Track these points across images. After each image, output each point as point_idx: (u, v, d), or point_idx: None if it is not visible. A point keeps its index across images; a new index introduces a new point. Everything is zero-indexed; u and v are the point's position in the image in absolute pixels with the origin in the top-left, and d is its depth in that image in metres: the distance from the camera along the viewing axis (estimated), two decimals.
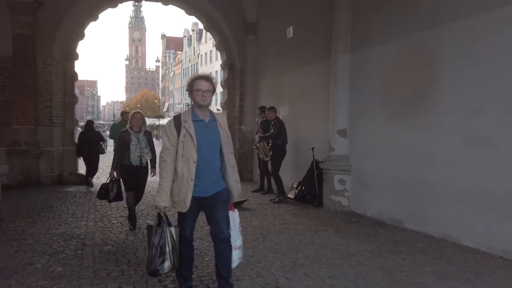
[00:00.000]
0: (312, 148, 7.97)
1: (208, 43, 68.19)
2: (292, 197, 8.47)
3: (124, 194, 6.34)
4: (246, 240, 5.22)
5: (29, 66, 10.18)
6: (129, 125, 6.11)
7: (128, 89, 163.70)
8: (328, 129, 7.95)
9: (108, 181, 6.36)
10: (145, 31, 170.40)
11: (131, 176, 6.12)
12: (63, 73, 10.80)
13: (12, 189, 9.59)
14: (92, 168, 10.61)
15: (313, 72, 8.56)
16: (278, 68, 10.30)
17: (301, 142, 8.84)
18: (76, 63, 11.34)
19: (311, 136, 8.61)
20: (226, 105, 12.34)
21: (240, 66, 11.90)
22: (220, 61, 51.70)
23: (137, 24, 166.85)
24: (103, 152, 10.83)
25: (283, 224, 6.58)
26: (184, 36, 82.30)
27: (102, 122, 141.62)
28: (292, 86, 9.56)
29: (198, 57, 72.93)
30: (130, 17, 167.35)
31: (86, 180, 10.51)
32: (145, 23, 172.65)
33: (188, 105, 57.28)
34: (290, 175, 8.97)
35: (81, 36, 11.21)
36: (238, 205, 7.88)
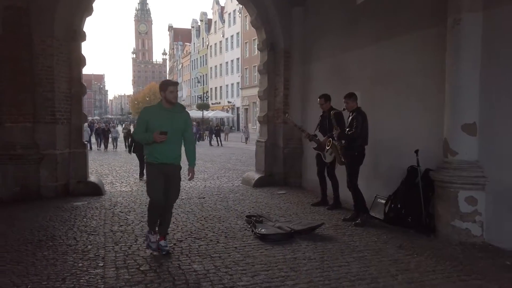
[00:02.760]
0: (416, 151, 5.70)
1: (218, 34, 65.82)
2: (381, 218, 6.24)
3: None
4: None
5: (23, 47, 7.99)
6: None
7: (135, 83, 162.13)
8: (434, 122, 5.71)
9: None
10: (151, 23, 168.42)
11: None
12: (68, 56, 8.57)
13: (6, 206, 7.49)
14: (143, 164, 11.30)
15: (407, 44, 6.26)
16: (341, 44, 8.00)
17: (383, 141, 6.59)
18: (84, 45, 9.13)
19: (401, 133, 6.35)
20: (266, 94, 10.07)
21: (284, 45, 9.61)
22: (230, 52, 49.45)
23: (143, 16, 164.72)
24: None
25: (402, 271, 4.32)
26: (193, 27, 79.93)
27: (110, 116, 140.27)
28: (366, 67, 7.27)
29: (207, 48, 70.58)
30: (135, 10, 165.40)
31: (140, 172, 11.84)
32: (151, 15, 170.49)
33: (199, 98, 55.07)
34: (367, 185, 6.71)
35: (88, 10, 8.97)
36: (312, 230, 5.70)
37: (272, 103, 10.04)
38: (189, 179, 5.26)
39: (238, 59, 59.22)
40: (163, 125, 4.65)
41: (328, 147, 6.61)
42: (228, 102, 61.97)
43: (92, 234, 5.74)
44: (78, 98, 8.84)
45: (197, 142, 31.26)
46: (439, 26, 5.55)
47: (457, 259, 4.61)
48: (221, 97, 65.38)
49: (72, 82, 8.66)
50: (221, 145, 30.02)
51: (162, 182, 4.83)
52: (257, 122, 43.21)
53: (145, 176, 11.69)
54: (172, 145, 4.75)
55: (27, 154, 8.01)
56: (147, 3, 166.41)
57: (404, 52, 6.33)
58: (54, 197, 8.28)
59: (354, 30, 7.54)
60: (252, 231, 5.81)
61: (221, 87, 65.88)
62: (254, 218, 6.23)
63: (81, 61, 8.86)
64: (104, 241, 5.42)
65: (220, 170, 14.26)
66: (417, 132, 6.08)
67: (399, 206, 5.95)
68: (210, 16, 71.53)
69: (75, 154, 8.75)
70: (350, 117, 6.27)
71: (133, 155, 12.74)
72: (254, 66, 53.82)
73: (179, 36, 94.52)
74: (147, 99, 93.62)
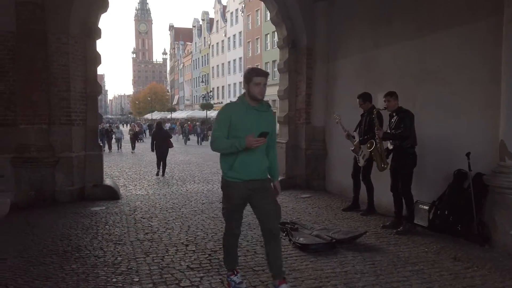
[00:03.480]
0: (468, 154, 5.32)
1: (220, 33, 65.39)
2: (425, 225, 5.85)
3: None
4: None
5: (38, 45, 7.59)
6: None
7: (135, 83, 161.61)
8: (484, 123, 5.35)
9: None
10: (152, 23, 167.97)
11: None
12: (83, 55, 8.18)
13: (21, 211, 7.11)
14: (164, 161, 12.88)
15: (453, 39, 5.89)
16: (373, 40, 7.62)
17: (425, 143, 6.18)
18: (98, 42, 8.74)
19: (446, 135, 5.97)
20: (287, 93, 9.69)
21: (307, 43, 9.22)
22: (233, 51, 48.99)
23: (143, 16, 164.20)
24: (171, 146, 13.43)
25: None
26: (194, 27, 79.46)
27: (110, 116, 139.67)
28: (404, 63, 6.88)
29: (209, 47, 70.14)
30: (136, 10, 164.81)
31: (158, 169, 12.94)
32: (151, 15, 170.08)
33: (203, 97, 54.65)
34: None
35: (104, 7, 8.57)
36: (354, 239, 5.32)
37: (293, 102, 9.66)
38: (275, 198, 3.82)
39: (240, 58, 58.81)
40: (250, 128, 3.47)
41: (369, 149, 6.20)
42: (231, 101, 61.46)
43: (119, 244, 5.36)
44: (93, 98, 8.45)
45: (202, 143, 30.91)
46: (490, 19, 5.19)
47: None
48: (223, 97, 64.94)
49: (87, 82, 8.27)
50: None
51: (244, 207, 3.77)
52: None
53: (160, 172, 12.76)
54: (261, 154, 3.61)
55: (43, 157, 7.62)
56: (147, 3, 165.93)
57: (450, 47, 5.94)
58: (70, 202, 7.90)
59: (388, 24, 7.15)
60: (290, 240, 5.43)
61: (223, 86, 65.46)
62: (289, 226, 5.85)
63: (97, 60, 8.48)
64: (133, 252, 5.04)
65: None
66: (464, 134, 5.69)
67: (446, 213, 5.56)
68: (212, 15, 71.11)
69: (90, 156, 8.36)
70: (395, 118, 5.85)
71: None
72: (257, 65, 53.51)
73: (180, 35, 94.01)
74: (149, 99, 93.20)
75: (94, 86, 8.41)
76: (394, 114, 5.87)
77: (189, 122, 49.22)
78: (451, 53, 5.95)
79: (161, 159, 12.85)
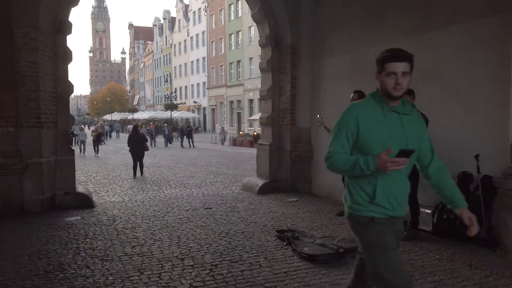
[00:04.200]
0: (477, 156, 5.15)
1: (182, 32, 64.34)
2: (429, 230, 5.66)
3: None
4: None
5: (2, 40, 6.88)
6: None
7: (92, 82, 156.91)
8: (491, 124, 5.21)
9: None
10: (109, 21, 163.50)
11: None
12: (53, 51, 7.51)
13: None
14: (141, 164, 13.05)
15: (451, 38, 5.74)
16: (363, 38, 7.39)
17: None
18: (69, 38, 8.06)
19: (450, 137, 5.79)
20: (270, 93, 9.34)
21: (291, 41, 8.91)
22: (196, 51, 48.33)
23: (100, 14, 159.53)
24: (147, 149, 13.51)
25: None
26: (155, 25, 77.88)
27: None
28: None
29: (171, 47, 68.93)
30: (92, 7, 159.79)
31: (134, 172, 12.92)
32: (109, 13, 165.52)
33: (167, 97, 53.26)
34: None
35: (75, 0, 7.92)
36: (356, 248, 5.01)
37: (276, 103, 9.32)
38: (473, 233, 2.43)
39: (204, 58, 58.09)
40: (387, 141, 2.34)
41: None
42: (194, 102, 60.65)
43: (106, 260, 4.82)
44: (65, 98, 7.79)
45: (169, 144, 30.10)
46: (496, 16, 5.05)
47: None
48: (186, 97, 63.95)
49: (58, 81, 7.60)
50: (193, 147, 28.97)
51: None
52: (225, 122, 42.41)
53: (138, 173, 12.89)
54: (404, 178, 2.45)
55: (9, 164, 6.91)
56: (104, 1, 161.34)
57: (449, 46, 5.79)
58: (40, 212, 7.21)
59: (381, 22, 6.95)
60: (293, 250, 5.08)
61: (186, 86, 64.45)
62: (290, 234, 5.50)
63: (68, 57, 7.80)
64: (124, 269, 4.53)
65: (208, 174, 13.39)
66: (468, 135, 5.55)
67: (452, 217, 5.38)
68: (173, 14, 69.90)
69: (62, 161, 7.69)
70: None
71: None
72: (221, 66, 53.00)
73: (140, 34, 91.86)
74: (108, 99, 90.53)
75: (66, 86, 7.74)
76: None
77: (151, 123, 48.02)
78: (451, 52, 5.80)
79: (138, 160, 12.94)
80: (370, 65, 7.33)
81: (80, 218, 6.98)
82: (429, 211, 5.73)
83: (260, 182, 9.30)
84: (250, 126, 44.09)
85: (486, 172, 5.18)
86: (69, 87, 7.82)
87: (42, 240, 5.61)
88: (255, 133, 33.22)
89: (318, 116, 7.14)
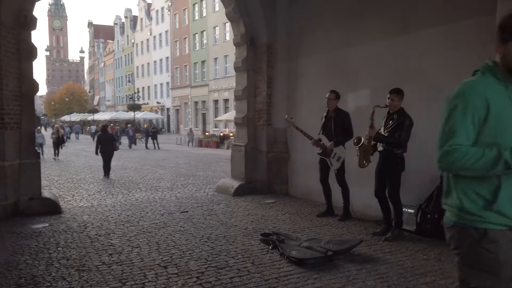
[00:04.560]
0: None
1: (145, 31, 63.08)
2: (412, 229, 5.65)
3: None
4: None
5: None
6: None
7: (49, 82, 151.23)
8: None
9: None
10: (67, 19, 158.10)
11: None
12: (17, 47, 7.03)
13: None
14: (109, 164, 12.97)
15: (436, 38, 5.76)
16: (343, 38, 7.35)
17: (408, 144, 5.99)
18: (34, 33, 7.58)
19: (430, 136, 5.80)
20: (246, 93, 9.17)
21: (267, 40, 8.77)
22: (159, 50, 47.43)
23: (57, 12, 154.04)
24: (117, 149, 13.80)
25: None
26: (116, 24, 75.88)
27: None
28: (379, 63, 6.68)
29: (133, 46, 67.39)
30: (49, 5, 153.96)
31: (104, 172, 12.98)
32: (66, 11, 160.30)
33: (130, 98, 51.77)
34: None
35: None
36: (351, 249, 4.95)
37: (252, 103, 9.16)
38: None
39: (167, 58, 57.17)
40: None
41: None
42: (158, 102, 59.59)
43: (83, 270, 4.49)
44: (29, 98, 7.32)
45: (133, 146, 29.31)
46: (479, 18, 5.10)
47: None
48: (149, 98, 62.71)
49: (22, 79, 7.12)
50: (159, 148, 28.35)
51: None
52: (189, 123, 41.80)
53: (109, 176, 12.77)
54: None
55: None
56: None
57: (434, 46, 5.81)
58: (3, 219, 6.72)
59: (362, 22, 6.92)
60: (281, 253, 4.92)
61: (149, 87, 63.22)
62: (275, 237, 5.34)
63: (33, 54, 7.33)
64: (104, 280, 4.23)
65: (178, 176, 13.06)
66: None
67: (436, 216, 5.40)
68: (135, 13, 68.45)
69: (26, 165, 7.22)
70: (394, 120, 5.51)
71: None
72: (185, 66, 52.30)
73: (100, 33, 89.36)
74: (66, 99, 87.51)
75: (30, 84, 7.27)
76: (394, 115, 5.54)
77: (111, 124, 46.67)
78: (436, 52, 5.82)
79: (107, 161, 12.98)
80: (350, 64, 7.35)
81: (48, 225, 6.56)
82: (412, 211, 5.73)
83: (235, 183, 9.11)
84: (216, 127, 43.76)
85: None
86: (34, 86, 7.35)
87: (9, 250, 5.19)
88: (222, 133, 32.99)
89: (286, 116, 7.02)
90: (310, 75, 8.15)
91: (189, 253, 5.10)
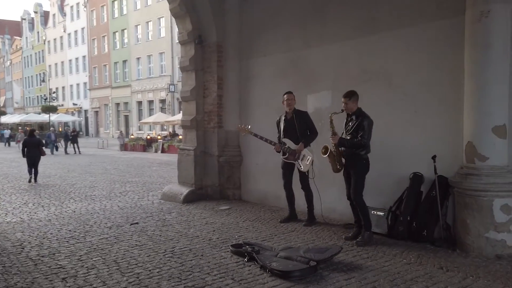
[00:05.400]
0: (434, 157, 5.20)
1: (58, 28, 59.02)
2: (383, 232, 5.59)
3: None
4: None
5: None
6: None
7: None
8: (438, 125, 5.35)
9: None
10: None
11: None
12: None
13: None
14: (36, 168, 12.57)
15: (398, 41, 5.77)
16: (301, 38, 7.17)
17: (373, 146, 5.94)
18: None
19: (397, 138, 5.82)
20: (194, 94, 8.66)
21: (217, 38, 8.35)
22: (75, 48, 44.78)
23: None
24: (44, 154, 13.34)
25: None
26: (24, 19, 70.11)
27: None
28: (339, 64, 6.59)
29: (44, 43, 62.70)
30: None
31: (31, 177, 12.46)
32: None
33: (44, 99, 47.82)
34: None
35: None
36: (333, 256, 4.74)
37: (201, 105, 8.67)
38: None
39: (84, 57, 53.97)
40: None
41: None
42: (74, 104, 55.99)
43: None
44: None
45: (55, 152, 27.02)
46: (448, 20, 5.19)
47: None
48: (64, 99, 58.72)
49: None
50: (80, 153, 26.49)
51: None
52: (110, 125, 39.72)
53: (33, 179, 12.38)
54: None
55: None
56: None
57: (396, 48, 5.82)
58: None
59: (322, 22, 6.78)
60: (261, 266, 4.57)
61: (64, 87, 59.24)
62: (249, 248, 4.98)
63: None
64: None
65: (112, 183, 12.12)
66: (418, 137, 5.60)
67: (408, 218, 5.38)
68: (46, 7, 63.77)
69: None
70: (353, 121, 5.43)
71: None
72: (105, 65, 49.73)
73: (5, 28, 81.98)
74: None
75: None
76: (353, 116, 5.45)
77: (20, 128, 42.94)
78: (398, 55, 5.83)
79: (33, 166, 12.60)
80: (309, 65, 7.20)
81: None
82: (382, 213, 5.68)
83: (184, 190, 8.57)
84: (140, 130, 42.08)
85: (438, 172, 5.26)
86: None
87: None
88: (149, 136, 31.74)
89: (239, 125, 6.77)
90: (266, 75, 7.88)
91: (157, 272, 4.57)
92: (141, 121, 37.48)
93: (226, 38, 8.35)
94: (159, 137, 31.35)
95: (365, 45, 6.19)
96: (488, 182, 4.69)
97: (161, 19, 40.55)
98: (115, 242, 5.78)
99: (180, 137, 29.16)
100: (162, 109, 40.01)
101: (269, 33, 7.76)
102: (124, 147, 30.42)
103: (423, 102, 5.59)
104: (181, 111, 35.95)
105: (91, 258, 5.08)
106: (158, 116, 33.46)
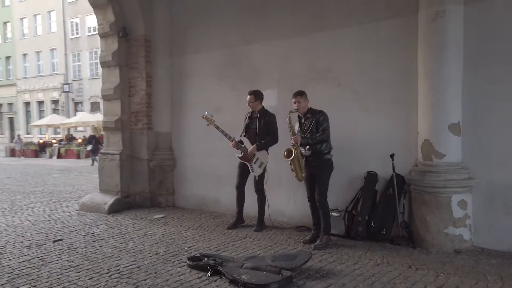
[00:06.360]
0: (392, 155, 5.20)
1: None
2: (341, 234, 5.48)
3: None
4: None
5: None
6: None
7: None
8: (395, 124, 5.40)
9: None
10: None
11: None
12: None
13: None
14: None
15: (346, 39, 5.74)
16: (241, 35, 6.82)
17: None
18: None
19: (350, 137, 5.75)
20: (118, 93, 7.82)
21: (144, 32, 7.64)
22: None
23: None
24: None
25: None
26: None
27: None
28: (283, 61, 6.38)
29: None
30: None
31: None
32: None
33: None
34: (303, 198, 5.83)
35: None
36: (301, 266, 4.47)
37: (126, 104, 7.87)
38: None
39: None
40: None
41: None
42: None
43: None
44: None
45: None
46: (398, 19, 5.26)
47: (481, 270, 4.29)
48: None
49: None
50: None
51: None
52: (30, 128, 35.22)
53: None
54: None
55: None
56: None
57: (344, 47, 5.77)
58: None
59: (264, 18, 6.51)
60: (230, 280, 4.14)
61: None
62: (210, 261, 4.50)
63: None
64: None
65: (11, 195, 10.55)
66: (371, 136, 5.59)
67: (366, 218, 5.34)
68: None
69: None
70: (308, 120, 5.23)
71: None
72: None
73: None
74: None
75: None
76: (308, 115, 5.26)
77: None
78: (347, 53, 5.78)
79: None
80: (250, 62, 6.89)
81: None
82: (337, 214, 5.57)
83: (108, 199, 7.71)
84: (28, 133, 38.13)
85: (391, 170, 5.30)
86: None
87: None
88: (42, 140, 28.89)
89: (206, 113, 6.17)
90: (202, 73, 7.38)
91: None
92: (31, 124, 33.88)
93: (155, 31, 7.69)
94: (54, 141, 28.64)
95: (312, 42, 6.06)
96: (447, 178, 4.80)
97: (51, 12, 37.23)
98: (41, 265, 4.89)
99: (79, 140, 27.00)
100: (55, 111, 36.68)
101: (204, 28, 7.29)
102: (10, 152, 27.28)
103: (374, 101, 5.60)
104: (76, 114, 33.51)
105: (17, 287, 4.19)
106: (52, 118, 30.51)
